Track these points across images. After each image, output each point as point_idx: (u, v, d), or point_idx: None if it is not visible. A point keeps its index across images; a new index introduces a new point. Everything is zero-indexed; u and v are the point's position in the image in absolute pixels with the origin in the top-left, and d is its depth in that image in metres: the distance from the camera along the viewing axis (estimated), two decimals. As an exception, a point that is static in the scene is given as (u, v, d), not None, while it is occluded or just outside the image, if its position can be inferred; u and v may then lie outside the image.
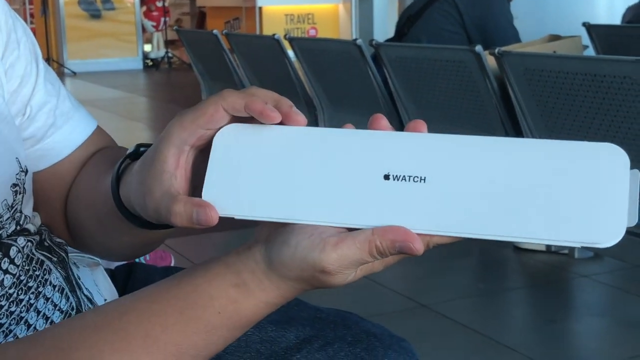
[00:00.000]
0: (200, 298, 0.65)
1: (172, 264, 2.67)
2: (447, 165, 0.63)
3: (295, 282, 0.64)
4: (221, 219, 0.67)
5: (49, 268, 0.84)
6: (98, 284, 0.94)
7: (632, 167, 0.60)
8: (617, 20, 4.91)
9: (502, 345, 2.41)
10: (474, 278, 3.13)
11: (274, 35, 3.80)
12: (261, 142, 0.68)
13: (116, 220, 0.79)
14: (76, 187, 0.88)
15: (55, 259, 0.85)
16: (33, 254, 0.83)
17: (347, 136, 0.67)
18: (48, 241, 0.87)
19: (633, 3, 4.22)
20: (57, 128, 0.87)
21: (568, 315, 2.76)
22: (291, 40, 3.74)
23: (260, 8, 11.17)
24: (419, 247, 0.61)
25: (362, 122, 0.69)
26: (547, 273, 3.04)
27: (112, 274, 1.01)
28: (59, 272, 0.85)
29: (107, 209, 0.79)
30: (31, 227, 0.84)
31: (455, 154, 0.64)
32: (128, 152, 0.77)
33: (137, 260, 1.03)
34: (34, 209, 0.87)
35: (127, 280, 1.01)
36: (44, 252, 0.84)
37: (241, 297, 0.65)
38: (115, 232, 0.82)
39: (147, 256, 2.56)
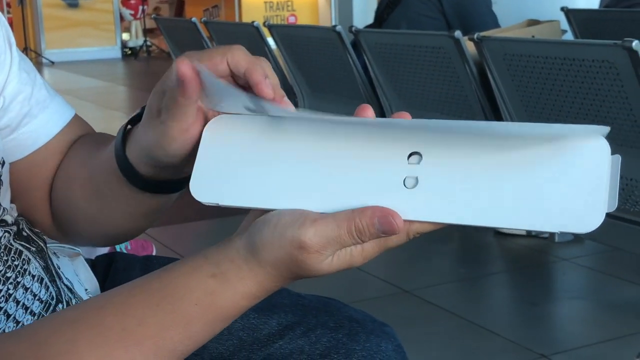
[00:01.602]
0: (178, 290, 0.65)
1: (154, 254, 2.66)
2: (427, 152, 0.63)
3: (274, 266, 0.64)
4: (206, 206, 0.68)
5: (28, 258, 0.83)
6: (79, 273, 0.93)
7: (612, 150, 0.60)
8: (595, 4, 4.92)
9: (484, 329, 2.43)
10: (456, 263, 3.15)
11: (253, 22, 3.79)
12: (249, 132, 0.69)
13: (118, 188, 0.79)
14: (65, 169, 0.87)
15: (33, 249, 0.85)
16: (11, 244, 0.82)
17: (333, 124, 0.66)
18: (26, 231, 0.86)
19: (611, -13, 4.24)
20: (32, 117, 0.86)
21: (549, 299, 2.78)
22: (270, 28, 3.73)
23: (239, 0, 11.12)
24: (399, 223, 0.61)
25: (342, 109, 0.69)
26: (528, 257, 3.06)
27: (93, 263, 1.00)
28: (38, 261, 0.84)
29: (108, 178, 0.79)
30: (9, 219, 0.84)
31: (435, 142, 0.63)
32: (132, 115, 0.78)
33: (117, 249, 1.02)
34: (11, 201, 0.86)
35: (107, 269, 1.00)
36: (22, 242, 0.84)
37: (219, 287, 0.64)
38: (115, 202, 0.81)
39: (129, 245, 2.55)
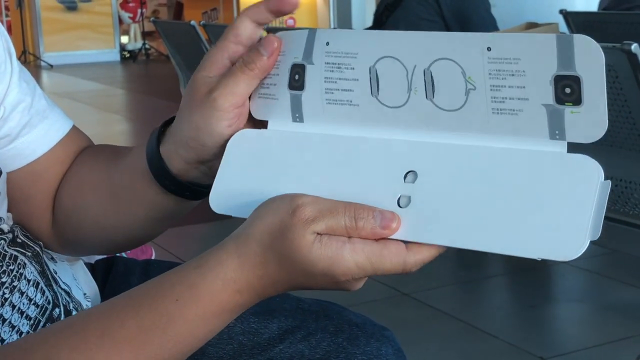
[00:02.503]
0: (162, 289, 0.65)
1: (153, 257, 2.66)
2: (423, 172, 0.64)
3: (260, 241, 0.63)
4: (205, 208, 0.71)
5: (23, 262, 0.83)
6: (77, 278, 0.93)
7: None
8: (594, 7, 4.93)
9: (483, 332, 2.43)
10: (454, 266, 3.14)
11: None
12: (267, 148, 0.71)
13: (140, 190, 0.79)
14: (76, 176, 0.87)
15: (29, 254, 0.85)
16: (5, 250, 0.82)
17: (353, 143, 0.68)
18: (21, 237, 0.86)
19: (609, -10, 4.25)
20: (32, 127, 0.86)
21: (548, 301, 2.78)
22: (269, 31, 3.73)
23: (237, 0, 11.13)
24: (398, 223, 0.63)
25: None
26: (527, 259, 3.05)
27: (92, 268, 1.00)
28: (34, 266, 0.84)
29: (131, 182, 0.80)
30: (5, 227, 0.84)
31: (432, 162, 0.64)
32: (165, 120, 0.80)
33: (117, 254, 1.02)
34: (8, 209, 0.86)
35: (107, 274, 1.00)
36: (16, 248, 0.84)
37: (199, 278, 0.64)
38: (134, 205, 0.81)
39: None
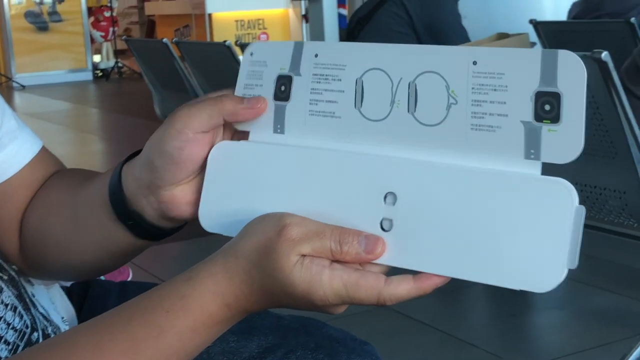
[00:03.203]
0: (152, 301, 0.65)
1: (130, 277, 2.64)
2: (402, 194, 0.64)
3: (248, 258, 0.64)
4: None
5: (0, 287, 0.82)
6: (55, 301, 0.92)
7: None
8: (563, 16, 4.98)
9: (464, 342, 2.43)
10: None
11: (225, 41, 3.78)
12: (248, 161, 0.71)
13: (102, 221, 0.79)
14: (43, 198, 0.86)
15: (5, 277, 0.84)
16: None
17: (334, 160, 0.68)
18: (-4, 260, 0.85)
19: (578, -1, 4.29)
20: (2, 147, 0.86)
21: (528, 309, 2.78)
22: (242, 47, 3.73)
23: (210, 15, 11.12)
24: (382, 248, 0.64)
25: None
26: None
27: (69, 291, 0.99)
28: (11, 290, 0.83)
29: (94, 210, 0.79)
30: None
31: (410, 183, 0.64)
32: (130, 153, 0.79)
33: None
34: None
35: (83, 297, 0.99)
36: None
37: (189, 289, 0.64)
38: (94, 235, 0.81)
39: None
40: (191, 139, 0.71)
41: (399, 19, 3.65)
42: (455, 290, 2.89)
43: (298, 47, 0.71)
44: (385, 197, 0.64)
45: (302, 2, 10.31)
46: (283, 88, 0.72)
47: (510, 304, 2.76)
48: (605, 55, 1.85)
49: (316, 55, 0.70)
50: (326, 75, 0.70)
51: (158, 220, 0.77)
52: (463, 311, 2.78)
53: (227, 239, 0.69)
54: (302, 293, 0.63)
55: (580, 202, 0.59)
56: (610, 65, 1.86)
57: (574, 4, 4.27)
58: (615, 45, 2.92)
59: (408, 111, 0.66)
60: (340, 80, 0.69)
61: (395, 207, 0.64)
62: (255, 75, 0.74)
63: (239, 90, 0.75)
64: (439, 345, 2.43)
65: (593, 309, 2.66)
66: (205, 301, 0.64)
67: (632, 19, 3.43)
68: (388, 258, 0.64)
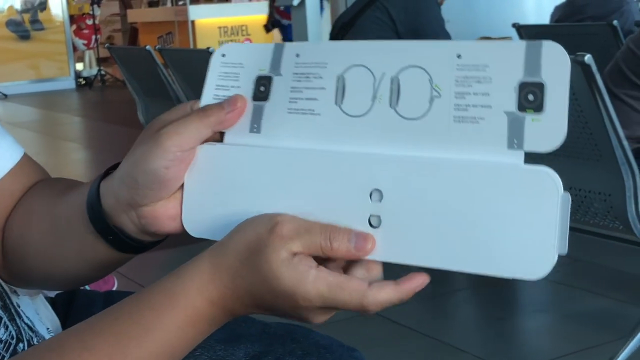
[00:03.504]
0: (139, 300, 0.66)
1: (115, 287, 2.63)
2: (388, 190, 0.64)
3: (235, 250, 0.64)
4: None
5: (-16, 297, 0.81)
6: (39, 312, 0.91)
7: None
8: (545, 20, 5.00)
9: (452, 347, 2.43)
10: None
11: (208, 48, 3.78)
12: (233, 164, 0.70)
13: (81, 232, 0.78)
14: (25, 206, 0.85)
15: (-10, 289, 0.83)
16: None
17: (316, 160, 0.67)
18: (-20, 271, 0.84)
19: (560, 2, 4.31)
20: None
21: (514, 313, 2.79)
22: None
23: (192, 22, 11.11)
24: (372, 245, 0.64)
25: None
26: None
27: (53, 301, 0.98)
28: (-5, 301, 0.82)
29: (74, 221, 0.78)
30: None
31: (394, 179, 0.64)
32: (106, 170, 0.78)
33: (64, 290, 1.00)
34: None
35: (68, 307, 0.98)
36: None
37: (175, 286, 0.65)
38: (74, 245, 0.80)
39: (90, 279, 2.50)
40: (178, 158, 0.70)
41: (382, 24, 3.65)
42: (441, 296, 2.89)
43: (279, 48, 0.71)
44: (370, 195, 0.64)
45: (284, 8, 10.32)
46: (262, 88, 0.71)
47: (496, 308, 2.76)
48: (588, 58, 1.85)
49: (297, 55, 0.70)
50: (307, 73, 0.69)
51: (139, 235, 0.76)
52: (450, 316, 2.78)
53: (212, 244, 0.69)
54: (286, 290, 0.63)
55: None
56: (594, 67, 1.86)
57: (556, 8, 4.30)
58: (597, 48, 2.94)
59: (390, 105, 0.65)
60: (321, 77, 0.68)
61: (382, 203, 0.64)
62: (229, 77, 0.73)
63: (209, 91, 0.73)
64: (426, 351, 2.43)
65: (579, 312, 2.66)
66: (190, 296, 0.64)
67: (614, 22, 3.45)
68: (379, 254, 0.64)
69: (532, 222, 0.59)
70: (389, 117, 0.65)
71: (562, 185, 0.59)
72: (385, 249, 0.63)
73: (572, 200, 0.60)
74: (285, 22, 8.39)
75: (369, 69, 0.66)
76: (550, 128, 0.60)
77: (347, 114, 0.67)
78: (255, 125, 0.71)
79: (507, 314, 2.73)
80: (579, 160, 2.05)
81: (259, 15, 11.16)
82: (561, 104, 0.59)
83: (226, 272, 0.64)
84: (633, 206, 2.00)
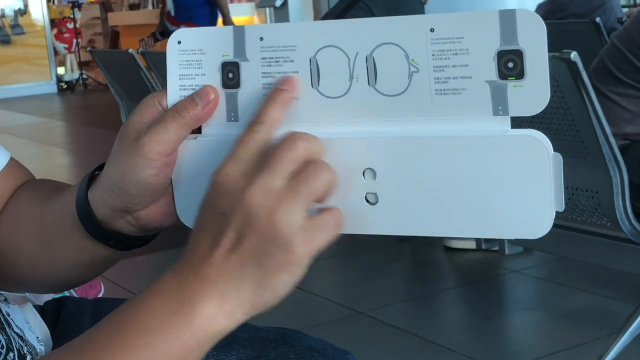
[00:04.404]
0: (136, 297, 0.63)
1: (102, 291, 2.61)
2: (380, 168, 0.64)
3: (199, 211, 0.63)
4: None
5: (-26, 308, 0.80)
6: (29, 321, 0.90)
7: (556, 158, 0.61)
8: (527, 18, 5.01)
9: (440, 346, 2.42)
10: (407, 282, 3.14)
11: (127, 50, 3.78)
12: (219, 156, 0.68)
13: (69, 233, 0.77)
14: (12, 210, 0.84)
15: (-21, 298, 0.81)
16: None
17: None
18: (-32, 280, 0.82)
19: (543, 0, 4.32)
20: None
21: (502, 311, 2.79)
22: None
23: (174, 24, 11.07)
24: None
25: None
26: (479, 271, 3.08)
27: (42, 309, 0.97)
28: (-16, 310, 0.81)
29: (61, 222, 0.78)
30: None
31: (386, 156, 0.64)
32: (96, 167, 0.77)
33: (66, 293, 0.99)
34: None
35: (57, 315, 0.97)
36: None
37: (167, 273, 0.62)
38: (63, 247, 0.79)
39: (75, 284, 2.49)
40: (164, 162, 0.70)
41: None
42: (429, 295, 2.89)
43: (239, 31, 0.69)
44: (364, 174, 0.64)
45: (267, 10, 10.30)
46: (231, 75, 0.70)
47: (484, 307, 2.76)
48: (574, 55, 1.85)
49: (261, 39, 0.68)
50: (276, 57, 0.68)
51: (140, 233, 0.76)
52: (438, 316, 2.78)
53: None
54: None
55: None
56: (580, 65, 1.86)
57: (539, 6, 4.31)
58: (581, 46, 2.94)
59: (369, 84, 0.65)
60: (292, 61, 0.67)
61: (376, 181, 0.64)
62: (192, 65, 0.71)
63: (174, 82, 0.72)
64: (416, 351, 2.42)
65: (568, 309, 2.66)
66: (170, 275, 0.62)
67: (597, 19, 3.46)
68: (381, 228, 0.65)
69: (527, 184, 0.60)
70: (369, 95, 0.65)
71: (551, 147, 0.60)
72: (387, 222, 0.64)
73: (559, 199, 0.61)
74: (173, 29, 8.01)
75: (341, 49, 0.66)
76: (533, 93, 0.61)
77: (326, 96, 0.67)
78: (232, 114, 0.70)
79: (496, 312, 2.73)
80: (565, 157, 2.03)
81: (241, 17, 11.14)
82: (542, 69, 0.60)
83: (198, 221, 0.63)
84: (621, 203, 2.00)
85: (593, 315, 2.58)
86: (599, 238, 2.27)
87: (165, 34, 7.99)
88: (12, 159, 0.88)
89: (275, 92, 0.66)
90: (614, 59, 2.41)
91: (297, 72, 0.67)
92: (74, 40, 11.82)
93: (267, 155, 0.61)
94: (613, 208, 2.01)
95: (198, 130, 0.72)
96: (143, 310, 0.61)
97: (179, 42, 0.72)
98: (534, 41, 0.60)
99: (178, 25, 7.69)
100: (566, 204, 2.13)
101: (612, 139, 1.95)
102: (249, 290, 0.61)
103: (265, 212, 0.59)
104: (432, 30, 0.63)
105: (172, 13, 7.86)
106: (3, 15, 11.59)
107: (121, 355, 0.60)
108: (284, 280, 0.60)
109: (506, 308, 2.86)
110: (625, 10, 4.91)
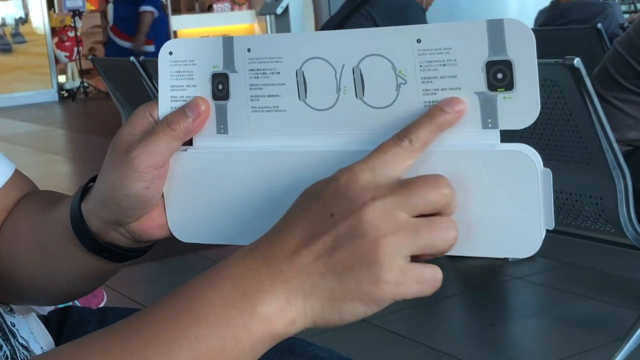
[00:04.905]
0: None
1: (105, 300, 2.60)
2: None
3: (291, 209, 0.60)
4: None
5: (-23, 318, 0.79)
6: (33, 331, 0.89)
7: (554, 167, 0.60)
8: (529, 24, 5.02)
9: (445, 354, 2.41)
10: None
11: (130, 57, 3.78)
12: (209, 168, 0.70)
13: (65, 245, 0.76)
14: (12, 223, 0.84)
15: (-18, 308, 0.81)
16: None
17: (293, 157, 0.66)
18: (-28, 291, 0.82)
19: (544, 7, 4.32)
20: None
21: (506, 318, 2.78)
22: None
23: (175, 32, 11.09)
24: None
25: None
26: (482, 278, 3.07)
27: (45, 319, 0.96)
28: (-12, 321, 0.80)
29: (57, 234, 0.77)
30: None
31: None
32: (90, 179, 0.77)
33: (69, 302, 0.98)
34: None
35: (61, 325, 0.96)
36: None
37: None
38: (60, 260, 0.78)
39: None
40: (155, 175, 0.69)
41: (367, 31, 3.65)
42: (433, 302, 2.88)
43: (228, 42, 0.69)
44: None
45: (268, 17, 10.33)
46: (221, 87, 0.69)
47: (488, 314, 2.75)
48: (577, 61, 1.85)
49: (249, 50, 0.68)
50: (263, 69, 0.67)
51: (134, 244, 0.75)
52: (442, 323, 2.77)
53: (199, 255, 0.68)
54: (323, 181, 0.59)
55: (556, 209, 0.60)
56: (583, 71, 1.86)
57: (540, 12, 4.31)
58: (582, 52, 2.94)
59: (356, 96, 0.64)
60: (279, 73, 0.67)
61: None
62: (183, 76, 0.70)
63: (165, 93, 0.71)
64: (420, 358, 2.42)
65: (572, 316, 2.65)
66: (225, 266, 0.59)
67: (599, 25, 3.46)
68: None
69: (515, 201, 0.59)
70: (357, 107, 0.64)
71: (541, 162, 0.59)
72: None
73: (563, 205, 0.60)
74: (123, 43, 7.71)
75: (327, 61, 0.65)
76: (523, 105, 0.59)
77: (313, 108, 0.66)
78: (222, 126, 0.70)
79: (499, 319, 2.72)
80: (569, 164, 2.05)
81: (242, 25, 11.17)
82: (531, 80, 0.59)
83: (283, 223, 0.60)
84: (625, 209, 1.99)
85: (597, 322, 2.57)
86: (603, 244, 2.27)
87: (110, 43, 7.97)
88: (16, 171, 0.87)
89: (437, 111, 0.60)
90: (616, 65, 2.41)
91: (284, 84, 0.66)
92: (75, 49, 11.82)
93: (407, 182, 0.57)
94: (617, 214, 2.00)
95: (190, 142, 0.71)
96: (199, 300, 0.58)
97: (170, 53, 0.71)
98: (523, 51, 0.59)
99: (120, 36, 7.67)
100: (570, 210, 2.12)
101: (615, 145, 1.95)
102: (318, 304, 0.57)
103: (375, 234, 0.56)
104: (418, 41, 0.61)
105: (111, 24, 7.87)
106: (4, 24, 11.60)
107: (170, 346, 0.57)
108: (356, 310, 0.57)
109: (510, 315, 2.85)
110: (626, 16, 4.91)
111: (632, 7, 7.93)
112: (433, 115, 0.60)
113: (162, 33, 7.76)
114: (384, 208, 0.56)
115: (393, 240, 0.56)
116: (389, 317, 2.69)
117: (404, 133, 0.59)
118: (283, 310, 0.57)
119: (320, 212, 0.58)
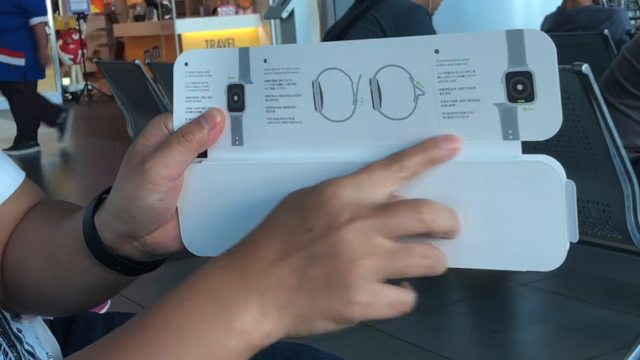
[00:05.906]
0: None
1: (109, 304, 2.59)
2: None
3: (273, 213, 0.60)
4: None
5: (-18, 324, 0.78)
6: (39, 336, 0.88)
7: (567, 175, 0.58)
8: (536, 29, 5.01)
9: (449, 361, 2.40)
10: (416, 294, 3.12)
11: (134, 61, 3.78)
12: (224, 181, 0.69)
13: (76, 256, 0.75)
14: (21, 232, 0.83)
15: (-12, 314, 0.80)
16: None
17: (312, 169, 0.65)
18: (-23, 298, 0.81)
19: (550, 12, 4.31)
20: None
21: (511, 325, 2.77)
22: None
23: (179, 35, 11.11)
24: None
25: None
26: (487, 284, 3.06)
27: (52, 324, 0.95)
28: (-6, 326, 0.79)
29: (69, 246, 0.76)
30: None
31: None
32: (103, 191, 0.76)
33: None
34: None
35: (68, 330, 0.95)
36: None
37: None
38: (70, 271, 0.77)
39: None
40: (170, 187, 0.68)
41: (373, 35, 3.64)
42: (438, 309, 2.87)
43: (244, 53, 0.68)
44: None
45: (272, 21, 10.33)
46: (236, 98, 0.68)
47: (493, 320, 2.74)
48: (585, 67, 1.84)
49: (265, 61, 0.67)
50: (279, 80, 0.66)
51: (147, 258, 0.74)
52: (447, 329, 2.76)
53: (204, 258, 0.67)
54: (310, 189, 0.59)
55: None
56: (591, 77, 1.85)
57: (546, 18, 4.30)
58: (589, 58, 2.93)
59: (373, 107, 0.63)
60: (295, 84, 0.66)
61: None
62: (199, 87, 0.70)
63: (180, 105, 0.70)
64: (424, 364, 2.41)
65: (578, 322, 2.64)
66: (210, 270, 0.60)
67: (605, 31, 3.45)
68: None
69: (538, 213, 0.58)
70: (374, 119, 0.63)
71: (564, 173, 0.58)
72: None
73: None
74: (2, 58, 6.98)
75: (344, 72, 0.64)
76: (545, 116, 0.58)
77: (330, 120, 0.65)
78: (237, 138, 0.69)
79: (505, 325, 2.71)
80: (576, 170, 2.04)
81: (246, 28, 11.17)
82: (553, 91, 0.58)
83: (264, 226, 0.61)
84: (632, 216, 1.98)
85: (603, 329, 2.56)
86: (610, 251, 2.26)
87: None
88: (26, 179, 0.86)
89: (430, 145, 0.60)
90: (624, 71, 2.40)
91: (300, 95, 0.66)
92: (79, 52, 11.83)
93: (388, 206, 0.57)
94: (624, 221, 1.99)
95: (204, 154, 0.70)
96: (177, 315, 0.59)
97: (186, 64, 0.70)
98: (544, 62, 0.58)
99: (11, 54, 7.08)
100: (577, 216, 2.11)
101: (623, 152, 1.94)
102: (289, 317, 0.58)
103: (350, 255, 0.56)
104: (436, 51, 0.60)
105: None
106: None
107: None
108: (327, 327, 0.58)
109: (515, 321, 2.83)
110: (633, 22, 4.91)
111: (639, 13, 7.92)
112: (426, 148, 0.60)
113: (18, 42, 7.10)
114: (362, 230, 0.56)
115: (367, 263, 0.56)
116: (393, 323, 2.68)
117: (396, 158, 0.59)
118: (259, 324, 0.58)
119: (299, 224, 0.58)
